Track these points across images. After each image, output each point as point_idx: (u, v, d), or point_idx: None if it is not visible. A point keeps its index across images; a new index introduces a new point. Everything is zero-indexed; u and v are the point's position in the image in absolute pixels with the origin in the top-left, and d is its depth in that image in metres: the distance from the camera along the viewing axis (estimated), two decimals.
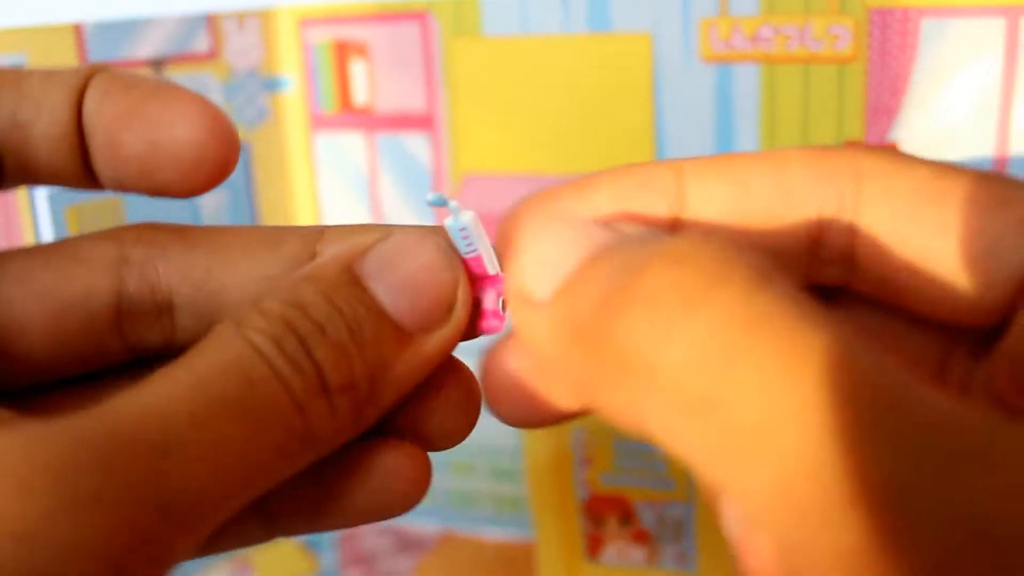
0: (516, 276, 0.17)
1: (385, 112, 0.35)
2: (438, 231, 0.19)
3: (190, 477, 0.15)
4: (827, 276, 0.18)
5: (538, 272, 0.16)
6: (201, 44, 0.34)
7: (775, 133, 0.31)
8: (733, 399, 0.13)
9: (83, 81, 0.18)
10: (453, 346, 0.19)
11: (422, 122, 0.35)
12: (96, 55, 0.32)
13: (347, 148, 0.36)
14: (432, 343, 0.18)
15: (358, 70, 0.35)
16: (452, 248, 0.19)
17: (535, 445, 0.34)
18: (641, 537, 0.34)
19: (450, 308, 0.18)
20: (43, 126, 0.18)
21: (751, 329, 0.13)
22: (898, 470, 0.12)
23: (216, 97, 0.35)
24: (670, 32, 0.31)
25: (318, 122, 0.36)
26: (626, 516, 0.34)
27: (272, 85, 0.36)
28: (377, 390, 0.18)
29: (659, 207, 0.17)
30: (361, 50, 0.34)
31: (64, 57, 0.32)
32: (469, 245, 0.19)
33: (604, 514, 0.34)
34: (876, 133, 0.30)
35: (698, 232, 0.16)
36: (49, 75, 0.18)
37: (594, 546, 0.35)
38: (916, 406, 0.12)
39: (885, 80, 0.29)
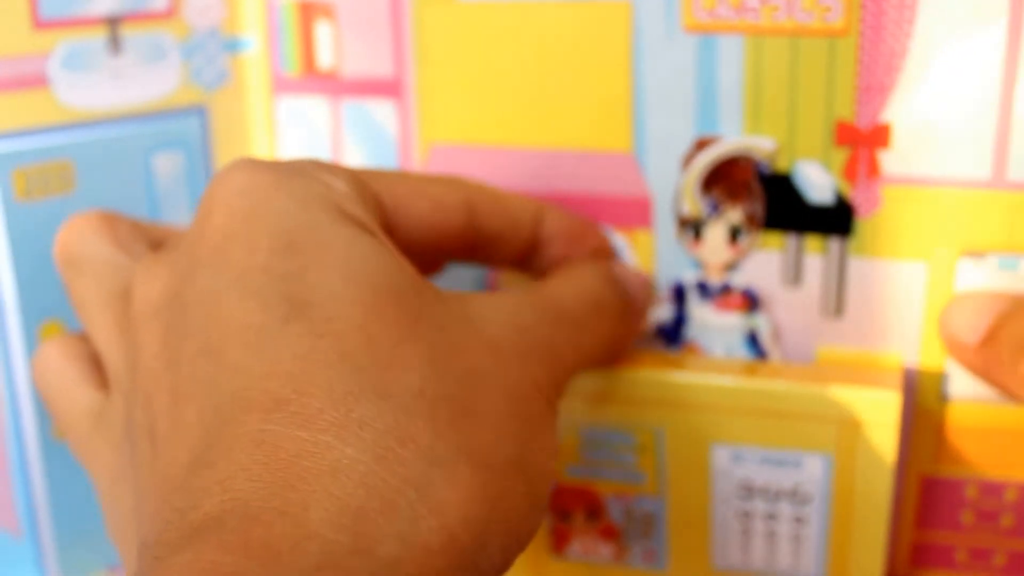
0: (952, 331, 0.28)
1: (351, 77, 0.33)
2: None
3: (577, 347, 0.27)
4: None
5: (966, 328, 0.28)
6: (159, 1, 0.32)
7: (759, 109, 0.29)
8: None
9: (540, 213, 0.30)
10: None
11: (389, 88, 0.33)
12: (48, 11, 0.31)
13: (310, 113, 0.34)
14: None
15: (323, 32, 0.33)
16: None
17: None
18: (609, 533, 0.33)
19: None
20: (512, 238, 0.29)
21: None
22: None
23: (173, 57, 0.33)
24: None
25: (280, 85, 0.34)
26: (593, 510, 0.33)
27: (233, 45, 0.34)
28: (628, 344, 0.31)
29: None
30: (327, 11, 0.33)
31: (16, 9, 0.30)
32: None
33: (570, 508, 0.33)
34: (868, 112, 0.28)
35: None
36: (517, 202, 0.29)
37: (559, 541, 0.33)
38: None
39: (879, 56, 0.28)
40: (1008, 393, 0.28)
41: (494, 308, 0.25)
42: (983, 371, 0.28)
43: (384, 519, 0.19)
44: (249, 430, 0.20)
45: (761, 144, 0.29)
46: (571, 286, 0.28)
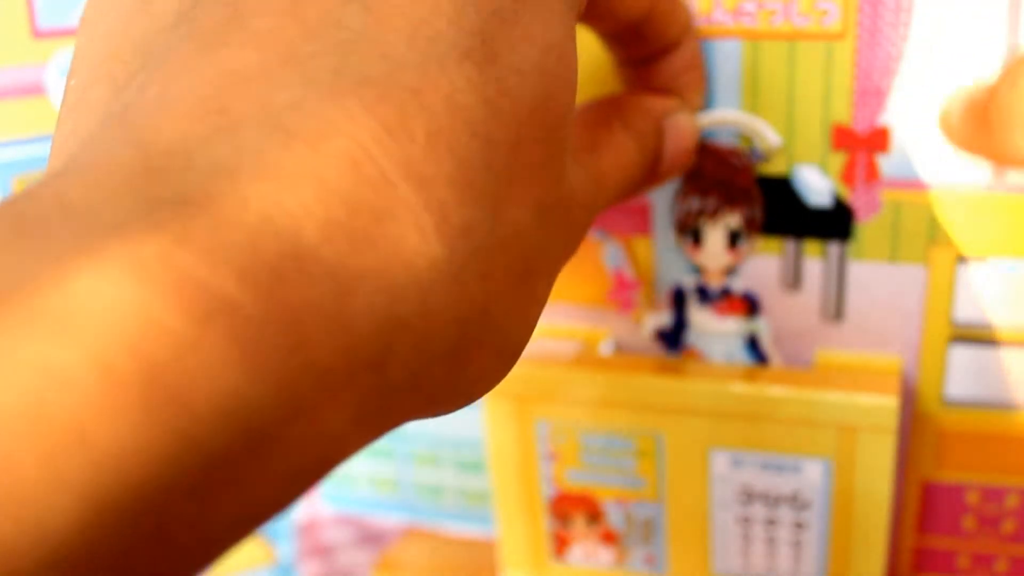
0: (947, 113, 0.27)
1: None
2: None
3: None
4: None
5: (959, 105, 0.27)
6: None
7: (757, 113, 0.29)
8: None
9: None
10: None
11: None
12: (46, 20, 0.31)
13: None
14: None
15: None
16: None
17: (499, 437, 0.32)
18: (609, 537, 0.33)
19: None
20: None
21: None
22: None
23: None
24: None
25: None
26: (594, 515, 0.32)
27: None
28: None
29: None
30: None
31: (15, 19, 0.30)
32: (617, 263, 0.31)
33: (571, 512, 0.33)
34: (865, 116, 0.28)
35: None
36: None
37: (560, 546, 0.33)
38: None
39: (875, 59, 0.27)
40: (1006, 164, 0.26)
41: None
42: (979, 147, 0.26)
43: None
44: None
45: (766, 132, 0.29)
46: None
